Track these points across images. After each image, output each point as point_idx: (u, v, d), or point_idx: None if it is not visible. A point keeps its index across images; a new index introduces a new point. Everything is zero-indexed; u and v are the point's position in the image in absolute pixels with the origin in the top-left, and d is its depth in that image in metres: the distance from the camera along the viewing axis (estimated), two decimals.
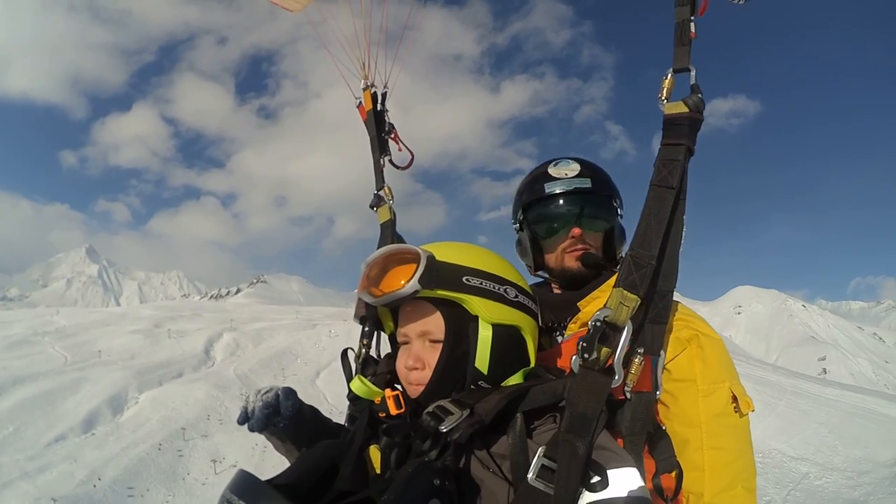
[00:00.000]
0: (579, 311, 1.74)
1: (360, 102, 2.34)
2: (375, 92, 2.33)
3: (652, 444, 1.47)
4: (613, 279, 1.62)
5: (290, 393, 1.54)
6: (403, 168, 2.30)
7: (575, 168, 1.91)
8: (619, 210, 1.93)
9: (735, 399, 1.55)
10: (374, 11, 2.25)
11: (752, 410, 1.59)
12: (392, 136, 2.29)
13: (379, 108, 2.32)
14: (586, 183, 1.86)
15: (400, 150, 2.28)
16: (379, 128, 2.28)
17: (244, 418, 1.50)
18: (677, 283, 1.42)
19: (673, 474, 1.44)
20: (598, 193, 1.88)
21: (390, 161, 2.28)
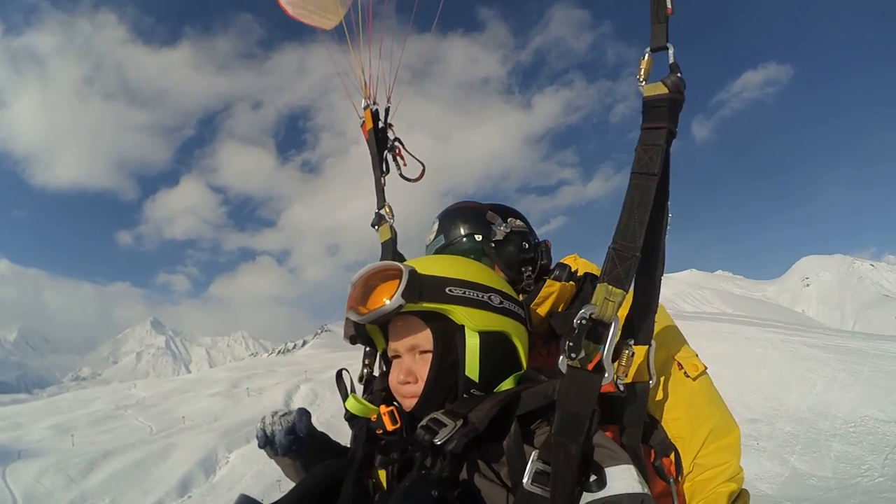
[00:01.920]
0: None
1: (363, 122, 2.30)
2: (377, 110, 2.28)
3: (645, 431, 1.44)
4: (544, 290, 1.71)
5: (304, 414, 1.59)
6: (414, 180, 2.26)
7: (433, 229, 2.04)
8: (490, 234, 1.95)
9: (681, 365, 1.56)
10: (375, 35, 2.22)
11: (704, 370, 1.59)
12: (397, 151, 2.25)
13: (381, 126, 2.27)
14: (440, 241, 1.99)
15: (405, 164, 2.25)
16: (380, 146, 2.24)
17: (265, 441, 1.56)
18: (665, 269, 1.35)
19: (671, 456, 1.45)
20: (452, 244, 1.97)
21: (400, 174, 2.25)
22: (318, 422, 1.60)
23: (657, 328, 1.49)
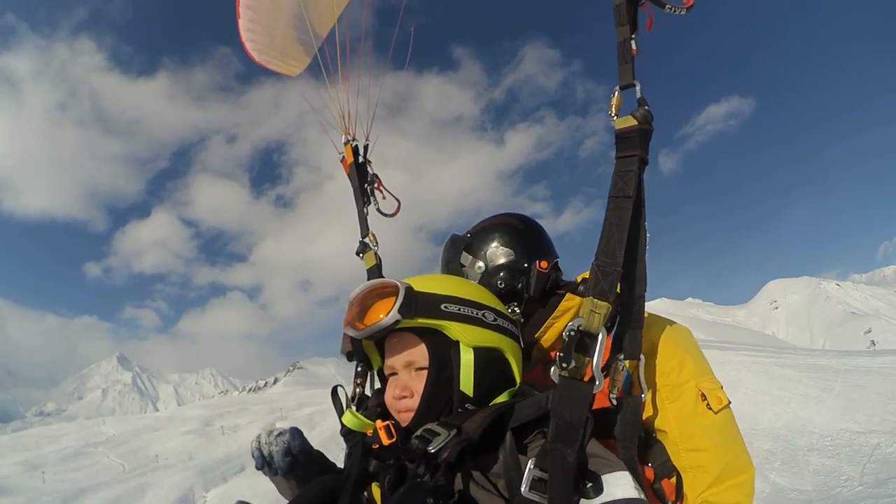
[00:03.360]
0: (537, 340, 1.77)
1: (343, 157, 2.44)
2: (357, 146, 2.42)
3: (646, 451, 1.47)
4: (563, 304, 1.74)
5: (297, 434, 1.60)
6: (391, 215, 2.36)
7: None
8: (481, 269, 1.91)
9: (705, 397, 1.53)
10: (351, 75, 2.38)
11: (727, 404, 1.55)
12: (376, 185, 2.38)
13: (361, 161, 2.41)
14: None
15: (385, 198, 2.36)
16: (361, 179, 2.37)
17: (262, 463, 1.55)
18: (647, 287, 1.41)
19: (672, 479, 1.44)
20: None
21: (378, 209, 2.35)
22: None
23: (682, 361, 1.57)
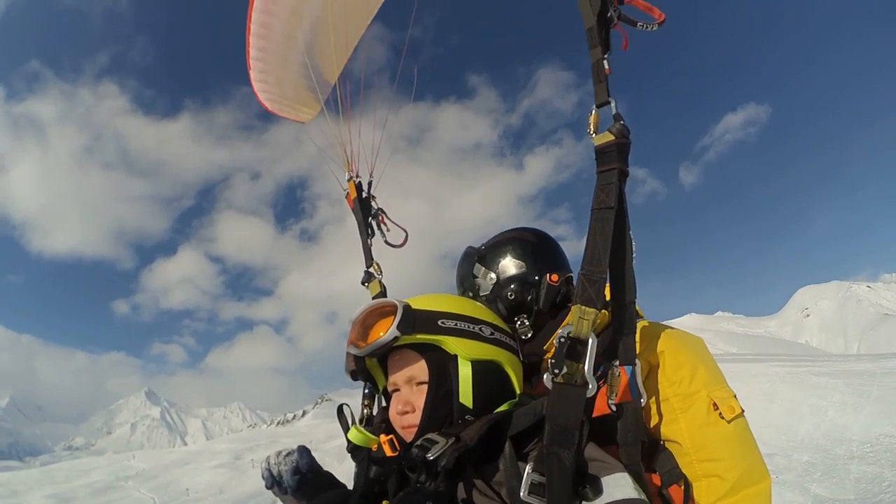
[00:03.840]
0: (546, 352, 1.78)
1: (348, 193, 2.61)
2: (360, 182, 2.60)
3: (652, 457, 1.47)
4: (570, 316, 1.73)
5: (304, 452, 1.64)
6: (398, 246, 2.52)
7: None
8: (476, 288, 1.99)
9: (717, 406, 1.51)
10: (353, 115, 2.53)
11: (740, 413, 1.53)
12: (380, 218, 2.54)
13: (364, 196, 2.59)
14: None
15: (388, 230, 2.52)
16: (365, 213, 2.55)
17: (272, 482, 1.58)
18: (637, 294, 1.44)
19: (681, 486, 1.44)
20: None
21: (385, 241, 2.52)
22: None
23: (693, 370, 1.56)
